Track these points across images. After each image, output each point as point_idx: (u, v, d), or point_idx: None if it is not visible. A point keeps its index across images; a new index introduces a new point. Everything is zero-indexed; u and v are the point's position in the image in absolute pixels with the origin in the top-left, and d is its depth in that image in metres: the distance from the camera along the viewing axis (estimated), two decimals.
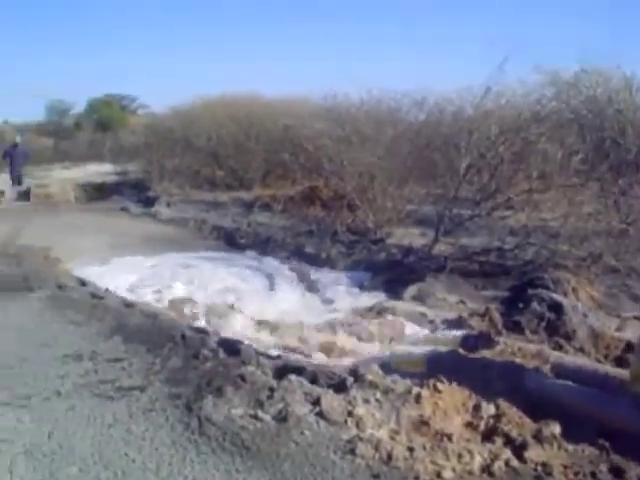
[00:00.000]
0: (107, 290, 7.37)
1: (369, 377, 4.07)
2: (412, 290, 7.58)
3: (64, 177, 21.25)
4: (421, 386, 3.89)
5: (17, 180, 18.43)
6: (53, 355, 5.05)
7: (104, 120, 33.03)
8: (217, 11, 68.46)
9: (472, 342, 5.38)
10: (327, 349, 5.98)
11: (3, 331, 5.70)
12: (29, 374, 4.65)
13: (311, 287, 8.41)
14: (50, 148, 28.95)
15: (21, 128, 29.85)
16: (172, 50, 66.84)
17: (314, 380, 4.20)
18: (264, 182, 15.73)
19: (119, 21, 67.74)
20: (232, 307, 7.17)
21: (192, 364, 4.70)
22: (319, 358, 5.69)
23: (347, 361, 5.57)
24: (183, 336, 5.28)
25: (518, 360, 4.68)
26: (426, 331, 6.30)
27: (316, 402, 3.78)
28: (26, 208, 16.09)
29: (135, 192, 17.84)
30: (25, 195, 17.54)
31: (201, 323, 6.59)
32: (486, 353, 4.93)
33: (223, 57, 62.92)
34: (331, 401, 3.76)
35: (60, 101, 35.24)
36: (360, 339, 6.17)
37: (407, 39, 68.14)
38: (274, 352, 5.59)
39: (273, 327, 6.62)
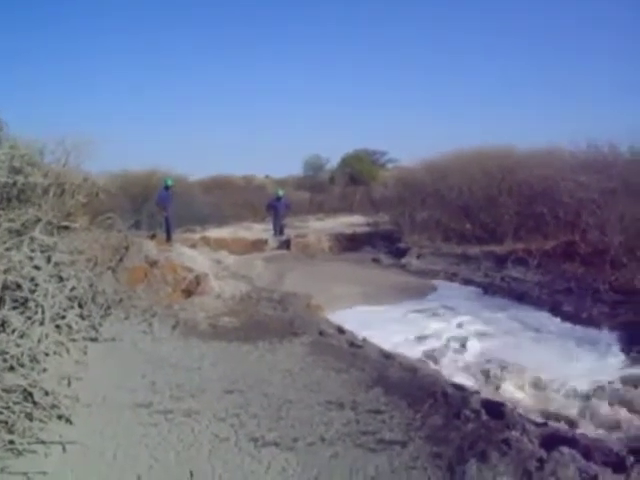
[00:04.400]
0: (365, 339, 7.61)
1: None
2: None
3: (319, 228, 22.50)
4: None
5: (279, 230, 19.93)
6: (317, 400, 5.31)
7: (355, 174, 34.46)
8: (479, 68, 68.07)
9: None
10: (595, 418, 5.57)
11: (273, 374, 6.15)
12: (295, 417, 4.94)
13: (572, 347, 7.90)
14: (306, 201, 30.83)
15: (280, 182, 32.32)
16: (420, 107, 67.98)
17: (587, 455, 3.94)
18: (516, 236, 15.21)
19: (368, 80, 70.86)
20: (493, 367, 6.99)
21: (453, 423, 4.66)
22: (587, 428, 5.31)
23: (620, 434, 5.13)
24: (444, 393, 5.24)
25: None
26: None
27: None
28: (286, 256, 17.29)
29: (385, 243, 18.28)
30: (286, 244, 18.86)
31: (461, 379, 6.49)
32: None
33: (468, 114, 62.34)
34: None
35: (316, 156, 37.57)
36: (633, 411, 5.65)
37: None
38: (537, 418, 5.32)
39: (534, 387, 6.34)
